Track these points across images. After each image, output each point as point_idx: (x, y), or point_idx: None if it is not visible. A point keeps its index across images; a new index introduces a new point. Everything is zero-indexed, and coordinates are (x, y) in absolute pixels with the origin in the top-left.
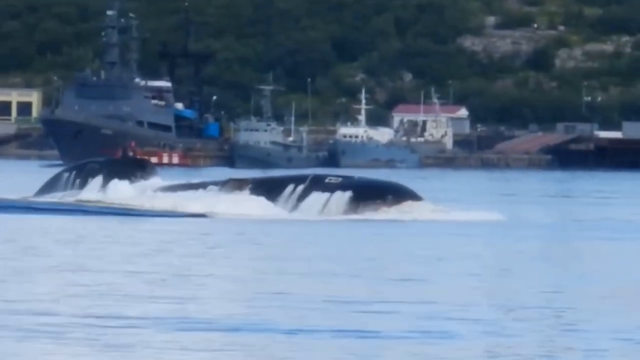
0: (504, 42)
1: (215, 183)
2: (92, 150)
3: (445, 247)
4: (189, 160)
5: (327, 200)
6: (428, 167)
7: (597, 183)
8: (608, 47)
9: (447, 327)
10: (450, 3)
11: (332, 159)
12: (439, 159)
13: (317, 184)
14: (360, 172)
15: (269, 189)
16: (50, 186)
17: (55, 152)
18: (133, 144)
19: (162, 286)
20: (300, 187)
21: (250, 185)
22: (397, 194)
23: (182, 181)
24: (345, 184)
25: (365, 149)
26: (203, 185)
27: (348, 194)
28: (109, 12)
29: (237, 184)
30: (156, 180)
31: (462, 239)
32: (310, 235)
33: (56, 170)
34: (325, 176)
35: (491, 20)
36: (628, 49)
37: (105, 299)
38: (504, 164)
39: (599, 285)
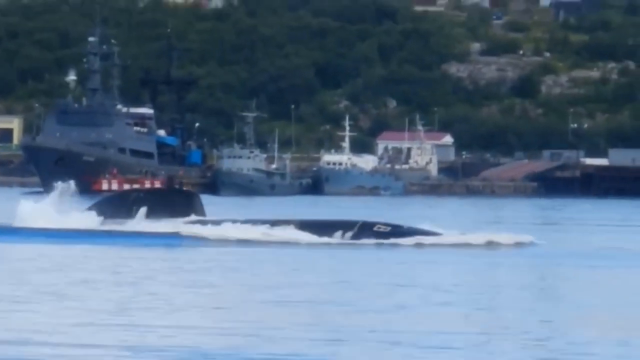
0: (489, 69)
1: (263, 222)
2: (73, 178)
3: (442, 275)
4: None
5: None
6: (412, 194)
7: (583, 210)
8: (594, 74)
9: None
10: (435, 29)
11: (316, 186)
12: (424, 186)
13: (366, 231)
14: (345, 200)
15: (317, 232)
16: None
17: (37, 179)
18: (115, 171)
19: (135, 314)
20: (349, 234)
21: (297, 227)
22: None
23: (223, 217)
24: (395, 233)
25: (349, 176)
26: (253, 223)
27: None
28: (91, 39)
29: (286, 225)
30: (201, 216)
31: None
32: (310, 262)
33: (39, 197)
34: (374, 224)
35: (476, 46)
36: (614, 76)
37: (80, 327)
38: (489, 191)
39: (586, 314)
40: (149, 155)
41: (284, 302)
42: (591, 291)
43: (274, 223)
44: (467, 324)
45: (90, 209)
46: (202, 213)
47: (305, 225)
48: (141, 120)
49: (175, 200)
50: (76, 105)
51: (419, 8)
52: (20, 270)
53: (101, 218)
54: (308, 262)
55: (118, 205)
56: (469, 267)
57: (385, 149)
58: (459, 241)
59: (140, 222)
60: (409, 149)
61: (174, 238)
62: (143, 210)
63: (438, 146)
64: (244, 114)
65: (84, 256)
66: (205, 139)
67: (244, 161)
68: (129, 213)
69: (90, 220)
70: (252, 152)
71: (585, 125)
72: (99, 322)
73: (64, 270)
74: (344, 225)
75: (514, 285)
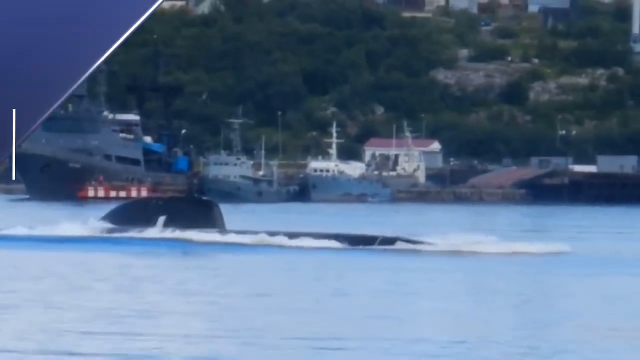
0: (478, 75)
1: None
2: (59, 185)
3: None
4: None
5: None
6: (400, 201)
7: (572, 218)
8: (583, 81)
9: None
10: (423, 36)
11: (303, 194)
12: (412, 194)
13: (387, 246)
14: (333, 208)
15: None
16: (113, 221)
17: (23, 186)
18: (101, 178)
19: (121, 323)
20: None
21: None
22: None
23: (246, 228)
24: None
25: (336, 184)
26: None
27: None
28: None
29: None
30: (220, 226)
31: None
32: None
33: (29, 204)
34: (395, 239)
35: (465, 53)
36: (603, 82)
37: (66, 335)
38: (477, 198)
39: (576, 321)
40: (135, 162)
41: (274, 310)
42: (591, 299)
43: (291, 236)
44: (461, 330)
45: (107, 216)
46: (222, 223)
47: (332, 238)
48: (127, 127)
49: (195, 210)
50: (62, 112)
51: (407, 14)
52: (9, 277)
53: (115, 225)
54: (302, 269)
55: (137, 213)
56: (467, 274)
57: (373, 156)
58: (508, 250)
59: (159, 229)
60: (396, 156)
61: (176, 245)
62: (162, 219)
63: (426, 153)
64: (231, 120)
65: (80, 263)
66: (192, 146)
67: (231, 168)
68: (148, 221)
69: (85, 227)
70: (239, 159)
71: (574, 132)
72: (90, 329)
73: (56, 276)
74: (364, 240)
75: (509, 292)
